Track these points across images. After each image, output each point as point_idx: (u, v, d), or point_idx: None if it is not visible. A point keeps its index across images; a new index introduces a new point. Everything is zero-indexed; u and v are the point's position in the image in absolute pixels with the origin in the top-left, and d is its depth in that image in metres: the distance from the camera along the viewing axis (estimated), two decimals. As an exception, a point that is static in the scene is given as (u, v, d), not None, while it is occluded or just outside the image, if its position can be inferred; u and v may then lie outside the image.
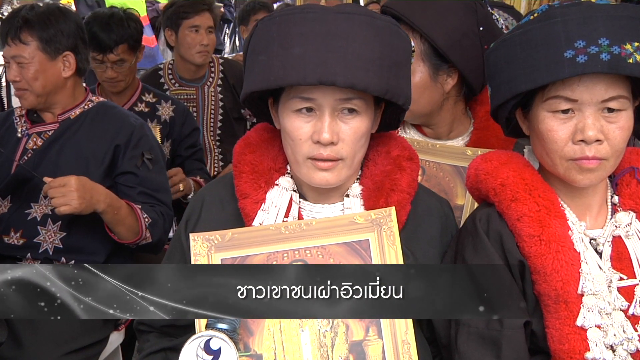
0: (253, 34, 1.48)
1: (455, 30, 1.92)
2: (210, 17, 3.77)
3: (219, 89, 3.80)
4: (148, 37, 5.76)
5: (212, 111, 3.77)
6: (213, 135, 3.80)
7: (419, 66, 1.95)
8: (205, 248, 1.47)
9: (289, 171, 1.59)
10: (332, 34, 1.37)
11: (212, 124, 3.79)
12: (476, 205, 1.68)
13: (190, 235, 1.49)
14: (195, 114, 3.71)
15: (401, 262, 1.44)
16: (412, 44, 1.92)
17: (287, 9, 1.45)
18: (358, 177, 1.59)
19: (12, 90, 2.51)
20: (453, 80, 2.00)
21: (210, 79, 3.80)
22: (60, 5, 2.48)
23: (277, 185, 1.57)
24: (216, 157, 3.80)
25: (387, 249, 1.45)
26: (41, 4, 2.43)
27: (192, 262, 1.46)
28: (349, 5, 1.45)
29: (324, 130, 1.42)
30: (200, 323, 1.41)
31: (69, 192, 2.17)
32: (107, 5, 5.52)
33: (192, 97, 3.74)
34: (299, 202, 1.57)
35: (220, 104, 3.79)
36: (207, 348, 1.31)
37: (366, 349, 1.41)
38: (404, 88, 1.47)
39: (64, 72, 2.41)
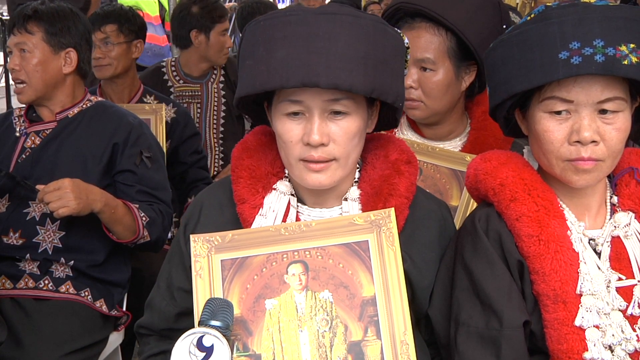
0: (242, 38, 1.49)
1: (484, 28, 1.93)
2: (228, 20, 3.89)
3: (221, 85, 3.83)
4: (159, 37, 5.76)
5: (215, 107, 3.80)
6: (216, 132, 3.82)
7: (444, 64, 1.96)
8: (206, 249, 1.47)
9: (286, 175, 1.59)
10: (314, 35, 1.37)
11: (214, 121, 3.81)
12: (470, 207, 1.68)
13: (191, 236, 1.49)
14: (199, 111, 3.75)
15: (400, 263, 1.44)
16: (438, 41, 1.94)
17: (271, 13, 1.45)
18: (356, 180, 1.59)
19: (12, 91, 2.52)
20: (470, 78, 2.02)
21: (214, 76, 3.84)
22: (72, 6, 2.50)
23: (274, 189, 1.57)
24: (217, 156, 3.81)
25: (387, 250, 1.45)
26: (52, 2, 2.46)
27: (193, 263, 1.47)
28: (331, 5, 1.45)
29: (314, 132, 1.42)
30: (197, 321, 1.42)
31: (64, 194, 2.17)
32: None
33: (196, 93, 3.77)
34: (297, 206, 1.58)
35: (223, 100, 3.82)
36: (199, 345, 1.30)
37: (365, 350, 1.41)
38: (393, 86, 1.46)
39: (64, 67, 2.42)
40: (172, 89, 3.72)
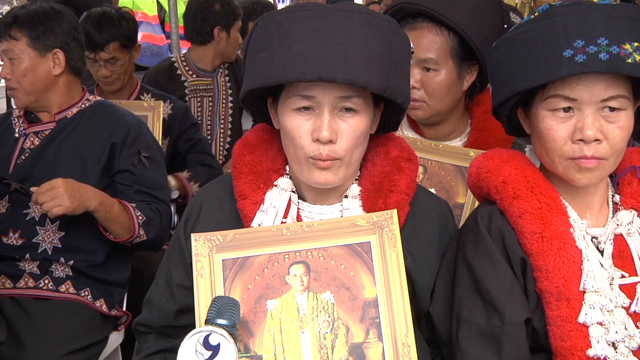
0: (253, 32, 1.48)
1: (486, 27, 1.93)
2: None
3: (227, 78, 3.89)
4: (157, 36, 5.77)
5: (224, 100, 3.86)
6: (224, 123, 3.87)
7: (446, 64, 1.96)
8: (207, 248, 1.46)
9: (287, 172, 1.59)
10: (332, 31, 1.37)
11: (223, 112, 3.87)
12: (477, 203, 1.68)
13: (192, 235, 1.48)
14: (211, 104, 3.81)
15: (402, 264, 1.44)
16: (440, 41, 1.94)
17: (288, 7, 1.45)
18: (357, 177, 1.59)
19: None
20: (472, 78, 2.02)
21: (221, 70, 3.90)
22: (55, 5, 2.47)
23: (276, 186, 1.57)
24: (221, 146, 3.85)
25: (389, 252, 1.44)
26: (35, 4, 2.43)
27: (194, 263, 1.46)
28: (349, 3, 1.45)
29: (323, 128, 1.42)
30: (201, 321, 1.41)
31: (58, 194, 2.16)
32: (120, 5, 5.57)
33: (209, 87, 3.84)
34: (298, 203, 1.57)
35: (229, 91, 3.88)
36: (206, 343, 1.30)
37: (366, 352, 1.40)
38: (403, 86, 1.47)
39: (53, 69, 2.40)
40: (186, 84, 3.77)
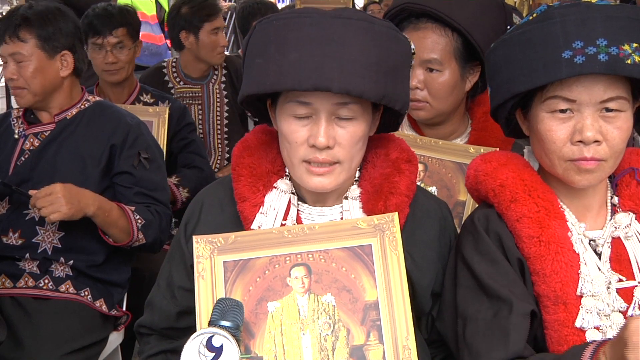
0: (252, 36, 1.48)
1: (489, 28, 1.93)
2: (222, 18, 3.84)
3: (222, 85, 3.81)
4: (155, 36, 5.76)
5: (218, 108, 3.79)
6: (220, 133, 3.80)
7: (450, 64, 1.96)
8: (208, 250, 1.47)
9: (287, 173, 1.59)
10: (328, 39, 1.37)
11: (218, 122, 3.80)
12: (479, 200, 1.68)
13: (193, 237, 1.49)
14: (200, 112, 3.74)
15: (403, 267, 1.44)
16: (444, 42, 1.94)
17: (285, 13, 1.45)
18: (357, 179, 1.59)
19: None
20: (474, 78, 2.02)
21: (215, 77, 3.82)
22: (59, 5, 2.46)
23: (275, 188, 1.57)
24: (219, 156, 3.80)
25: (390, 255, 1.44)
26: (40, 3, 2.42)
27: (195, 265, 1.46)
28: (346, 10, 1.44)
29: (320, 134, 1.42)
30: (201, 323, 1.42)
31: (56, 200, 2.16)
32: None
33: (197, 94, 3.76)
34: (298, 204, 1.58)
35: (225, 100, 3.81)
36: (209, 345, 1.30)
37: (367, 354, 1.40)
38: (402, 93, 1.47)
39: (61, 71, 2.40)
40: (172, 90, 3.71)
